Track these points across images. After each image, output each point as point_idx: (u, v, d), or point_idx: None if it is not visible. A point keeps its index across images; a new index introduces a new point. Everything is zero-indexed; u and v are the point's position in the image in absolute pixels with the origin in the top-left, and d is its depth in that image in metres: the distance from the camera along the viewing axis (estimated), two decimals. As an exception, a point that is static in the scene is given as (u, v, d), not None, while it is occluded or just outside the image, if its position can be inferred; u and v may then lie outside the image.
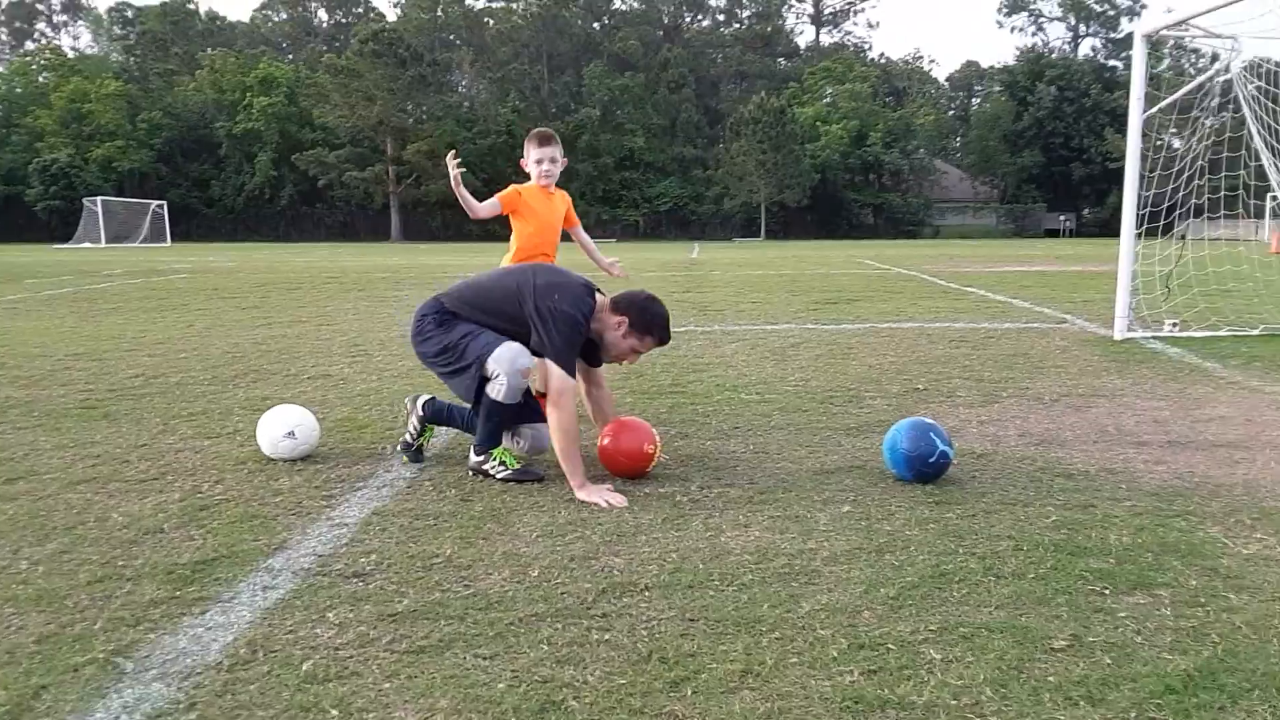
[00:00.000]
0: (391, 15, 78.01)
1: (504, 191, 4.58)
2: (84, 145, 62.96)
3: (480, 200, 4.48)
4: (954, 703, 2.02)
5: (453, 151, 4.47)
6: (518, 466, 3.73)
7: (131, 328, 9.06)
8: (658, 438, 3.77)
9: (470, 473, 3.81)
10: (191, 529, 3.18)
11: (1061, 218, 64.60)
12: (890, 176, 69.82)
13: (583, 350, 3.92)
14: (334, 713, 2.01)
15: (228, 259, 27.97)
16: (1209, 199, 8.61)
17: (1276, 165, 7.40)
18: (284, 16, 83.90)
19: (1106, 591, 2.58)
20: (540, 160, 4.56)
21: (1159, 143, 8.12)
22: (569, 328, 3.58)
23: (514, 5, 75.78)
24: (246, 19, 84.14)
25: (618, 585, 2.67)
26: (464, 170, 4.33)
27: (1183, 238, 8.56)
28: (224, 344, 7.82)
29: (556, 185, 4.72)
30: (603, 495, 3.44)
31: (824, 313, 10.13)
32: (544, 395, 3.84)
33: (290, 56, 74.74)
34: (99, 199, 48.63)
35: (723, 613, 2.48)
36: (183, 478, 3.79)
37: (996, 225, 69.26)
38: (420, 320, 3.87)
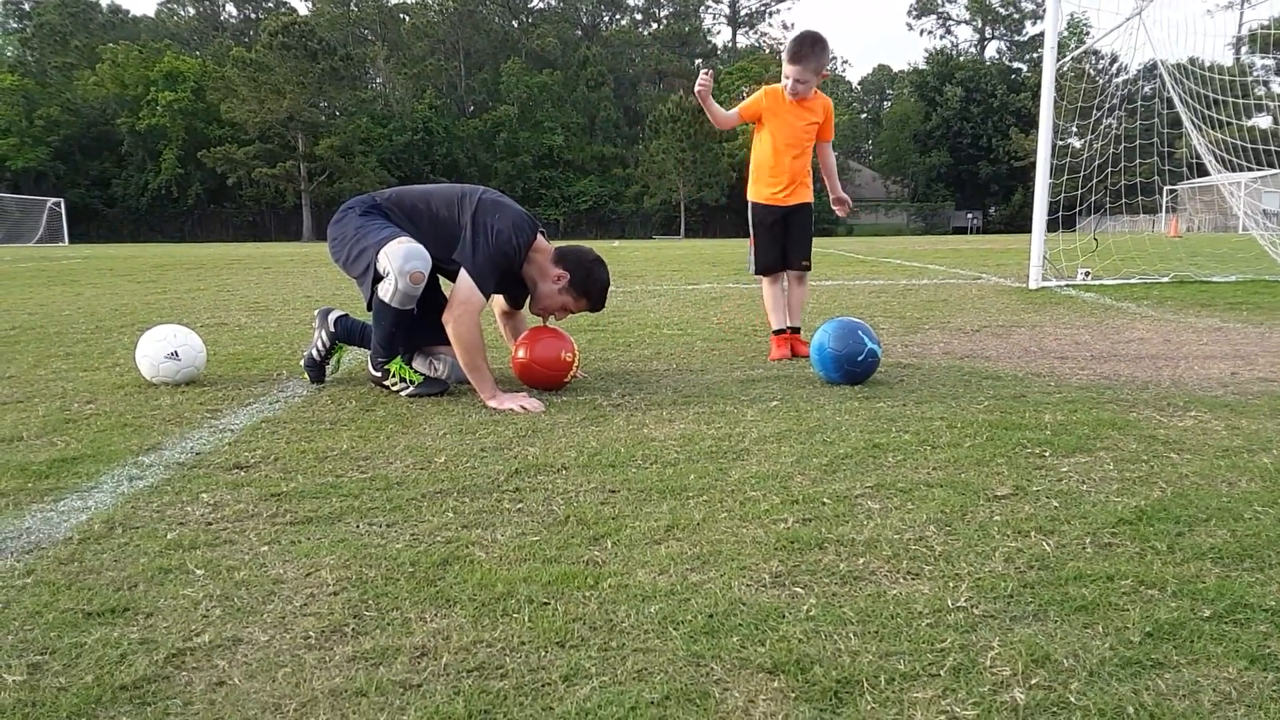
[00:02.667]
0: (303, 9, 75.92)
1: (747, 100, 4.29)
2: (-27, 142, 59.57)
3: (716, 111, 4.24)
4: (897, 538, 1.85)
5: (707, 69, 4.19)
6: (420, 380, 3.45)
7: (14, 297, 8.43)
8: (575, 347, 3.55)
9: (372, 386, 3.53)
10: (53, 436, 2.83)
11: (969, 215, 66.46)
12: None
13: (510, 296, 3.70)
14: (199, 572, 1.74)
15: (130, 251, 26.69)
16: (1109, 196, 8.86)
17: (1194, 124, 7.56)
18: (191, 12, 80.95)
19: (1045, 455, 2.46)
20: (788, 76, 4.17)
21: (1061, 144, 8.30)
22: (497, 247, 3.30)
23: (430, 1, 74.57)
24: (151, 13, 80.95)
25: (533, 466, 2.44)
26: (712, 78, 4.12)
27: (1095, 238, 8.75)
28: (111, 304, 7.31)
29: (820, 91, 4.33)
30: (517, 401, 3.19)
31: (745, 276, 10.04)
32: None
33: (198, 52, 71.93)
34: (-12, 196, 46.01)
35: (646, 484, 2.27)
36: (50, 400, 3.42)
37: (907, 223, 70.88)
38: (343, 209, 3.53)
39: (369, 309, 3.43)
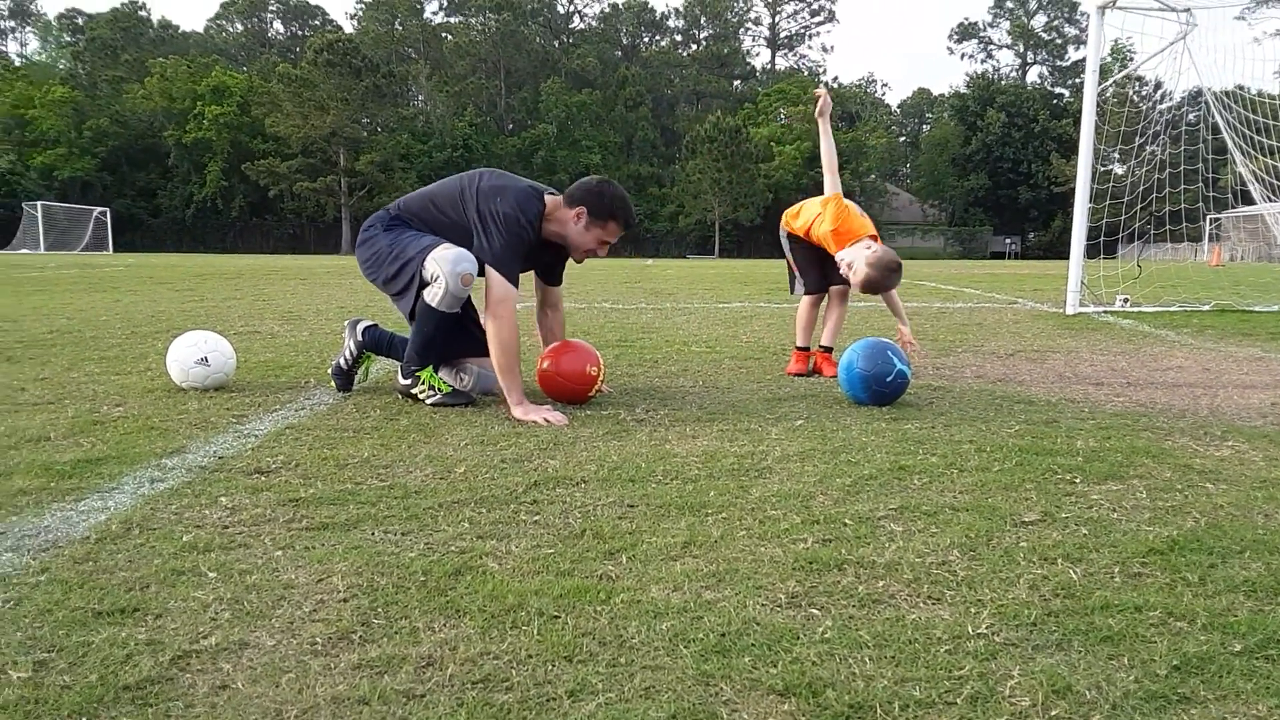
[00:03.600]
0: (349, 27, 77.29)
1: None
2: (26, 152, 61.13)
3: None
4: (919, 561, 1.81)
5: (820, 85, 4.27)
6: (448, 390, 3.46)
7: (55, 302, 8.60)
8: (601, 360, 3.54)
9: (398, 396, 3.54)
10: (80, 438, 2.87)
11: (1007, 240, 65.76)
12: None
13: (542, 267, 3.67)
14: (212, 575, 1.73)
15: (172, 260, 27.20)
16: (1152, 223, 8.72)
17: (1240, 151, 7.42)
18: (239, 27, 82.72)
19: (1076, 481, 2.40)
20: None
21: (1104, 169, 8.20)
22: (510, 231, 3.30)
23: (473, 21, 75.58)
24: (200, 28, 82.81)
25: (552, 479, 2.42)
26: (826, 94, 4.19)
27: (1139, 264, 8.62)
28: (149, 311, 7.43)
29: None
30: (541, 414, 3.18)
31: (776, 295, 9.99)
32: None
33: (244, 68, 73.38)
34: (39, 204, 47.04)
35: (665, 500, 2.24)
36: (80, 402, 3.47)
37: (944, 247, 70.29)
38: (366, 229, 3.56)
39: (410, 319, 3.44)
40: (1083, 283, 7.39)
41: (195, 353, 3.67)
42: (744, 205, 63.20)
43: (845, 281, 4.26)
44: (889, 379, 3.34)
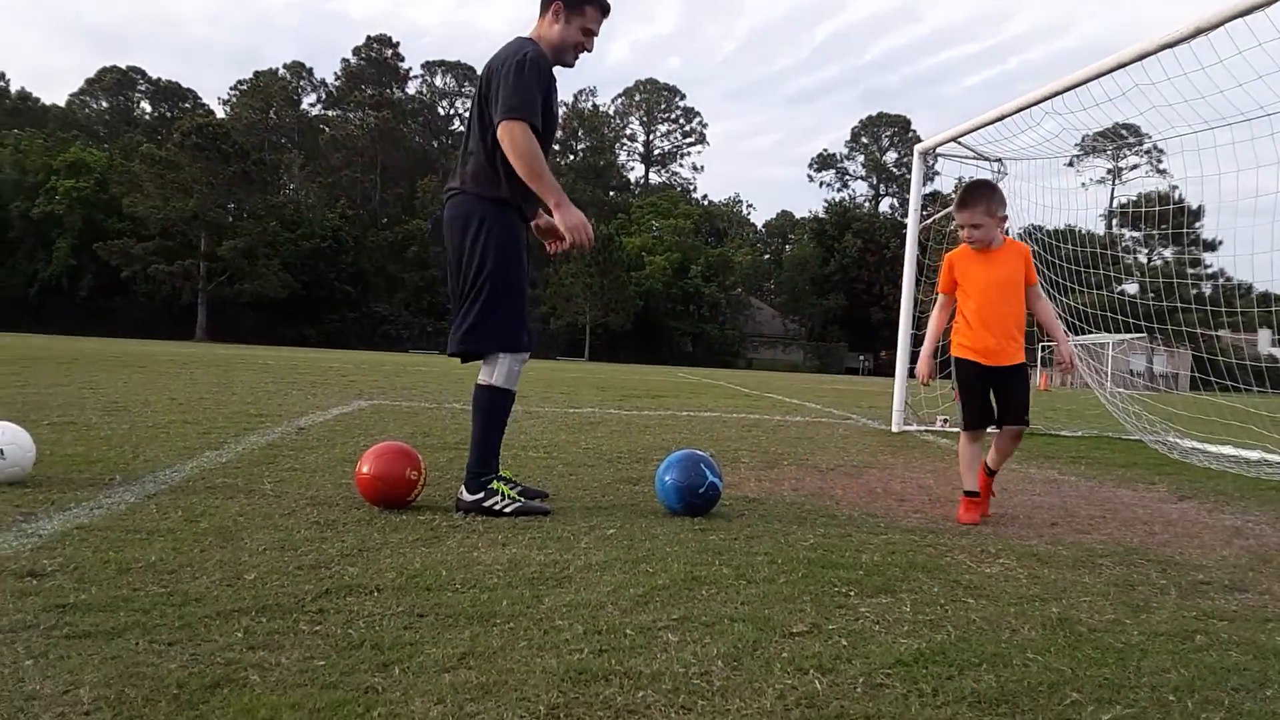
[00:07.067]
0: (221, 112, 75.88)
1: (940, 274, 4.04)
2: None
3: (934, 336, 3.99)
4: (682, 671, 1.88)
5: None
6: (520, 502, 3.49)
7: None
8: (423, 464, 3.54)
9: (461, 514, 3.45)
10: None
11: (861, 357, 69.17)
12: (709, 309, 72.87)
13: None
14: (-57, 686, 1.64)
15: (4, 341, 25.42)
16: None
17: (1067, 286, 8.14)
18: (104, 104, 79.97)
19: (852, 594, 2.55)
20: (960, 226, 3.95)
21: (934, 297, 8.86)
22: (517, 72, 3.32)
23: (351, 115, 75.60)
24: (62, 102, 79.55)
25: (345, 587, 2.40)
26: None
27: (954, 388, 9.22)
28: (-43, 396, 6.93)
29: (1011, 238, 4.03)
30: (581, 220, 3.39)
31: (629, 402, 10.19)
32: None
33: (106, 146, 70.57)
34: None
35: (457, 609, 2.26)
36: None
37: (804, 361, 73.17)
38: (473, 216, 3.50)
39: (463, 351, 3.56)
40: (907, 403, 7.89)
41: (-13, 445, 3.47)
42: (615, 310, 64.36)
43: (1023, 422, 3.98)
44: (701, 490, 3.48)
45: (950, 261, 3.99)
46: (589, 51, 3.64)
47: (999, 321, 3.86)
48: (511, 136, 3.29)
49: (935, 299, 4.13)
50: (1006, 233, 4.01)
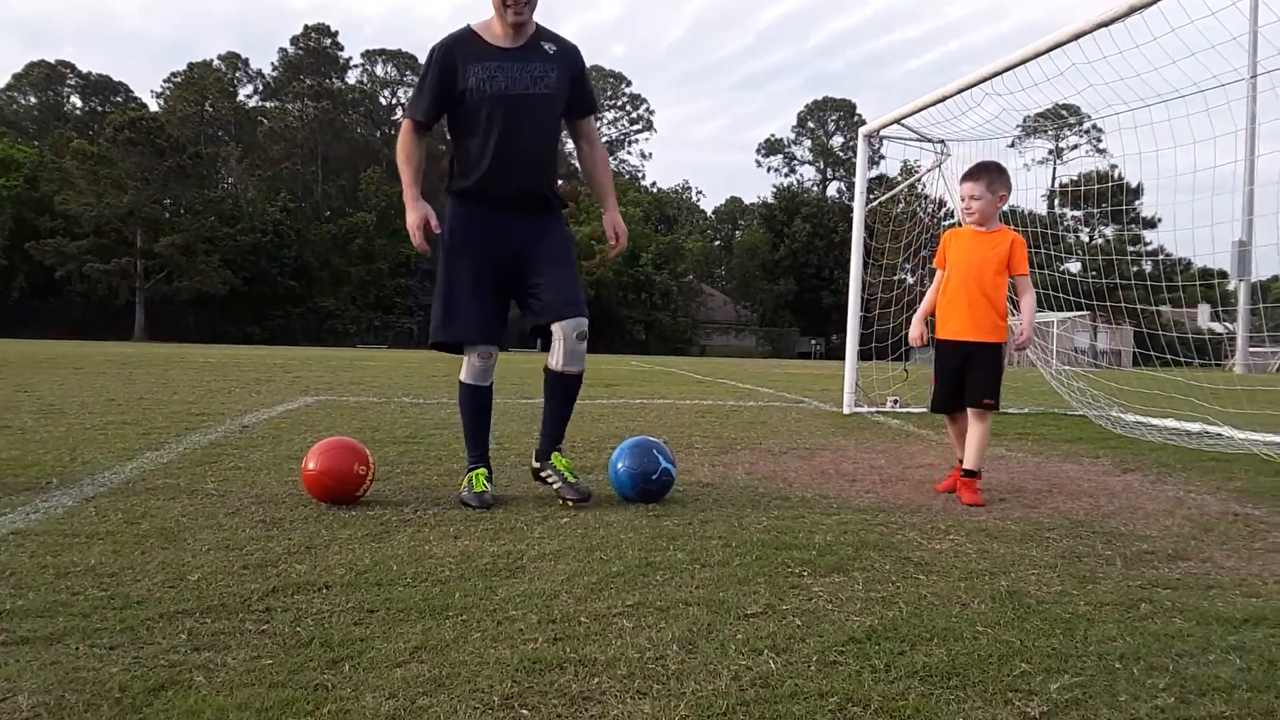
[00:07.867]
0: (154, 106, 73.78)
1: (937, 250, 4.14)
2: None
3: (926, 305, 4.13)
4: (637, 657, 1.88)
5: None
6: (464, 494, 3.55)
7: None
8: (371, 459, 3.49)
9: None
10: None
11: (813, 341, 69.87)
12: (661, 296, 72.99)
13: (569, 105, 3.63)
14: None
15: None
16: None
17: None
18: (32, 100, 77.31)
19: (805, 574, 2.57)
20: (961, 198, 4.03)
21: (898, 278, 8.94)
22: (422, 73, 3.49)
23: (290, 107, 74.08)
24: (-13, 98, 76.66)
25: (293, 585, 2.36)
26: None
27: (905, 370, 9.32)
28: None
29: (1005, 225, 4.06)
30: (416, 228, 3.50)
31: (582, 391, 10.12)
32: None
33: (36, 142, 68.14)
34: None
35: (408, 603, 2.23)
36: None
37: (756, 346, 73.71)
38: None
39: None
40: (857, 384, 7.98)
41: (-88, 451, 3.34)
42: (566, 299, 64.17)
43: (984, 405, 3.95)
44: (654, 476, 3.48)
45: (945, 239, 4.13)
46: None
47: (973, 302, 3.92)
48: (397, 142, 3.56)
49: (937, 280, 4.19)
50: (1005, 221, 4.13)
